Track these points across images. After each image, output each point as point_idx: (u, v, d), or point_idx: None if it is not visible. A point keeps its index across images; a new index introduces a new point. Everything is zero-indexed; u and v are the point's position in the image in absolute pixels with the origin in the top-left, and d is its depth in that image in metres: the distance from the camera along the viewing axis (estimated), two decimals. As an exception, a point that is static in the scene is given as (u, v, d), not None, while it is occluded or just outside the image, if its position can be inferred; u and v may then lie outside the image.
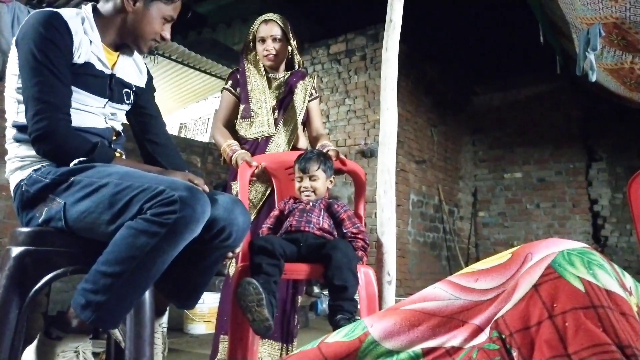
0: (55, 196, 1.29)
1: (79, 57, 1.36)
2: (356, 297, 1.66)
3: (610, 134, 6.02)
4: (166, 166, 1.61)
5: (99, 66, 1.41)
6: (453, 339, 0.89)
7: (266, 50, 2.29)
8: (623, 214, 5.86)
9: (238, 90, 2.36)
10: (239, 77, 2.37)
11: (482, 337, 0.87)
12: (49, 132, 1.27)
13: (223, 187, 2.38)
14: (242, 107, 2.32)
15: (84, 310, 1.19)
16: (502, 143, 6.76)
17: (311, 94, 2.40)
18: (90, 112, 1.42)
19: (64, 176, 1.29)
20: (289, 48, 2.37)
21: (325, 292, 4.67)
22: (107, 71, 1.45)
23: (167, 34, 1.50)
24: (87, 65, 1.38)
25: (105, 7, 1.44)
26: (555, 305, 0.82)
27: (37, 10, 1.35)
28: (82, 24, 1.38)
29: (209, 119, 6.17)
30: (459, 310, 0.91)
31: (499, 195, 6.77)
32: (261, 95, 2.31)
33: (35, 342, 1.32)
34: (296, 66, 2.44)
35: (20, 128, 1.34)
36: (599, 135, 6.12)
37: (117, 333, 1.39)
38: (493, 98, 6.87)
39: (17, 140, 1.35)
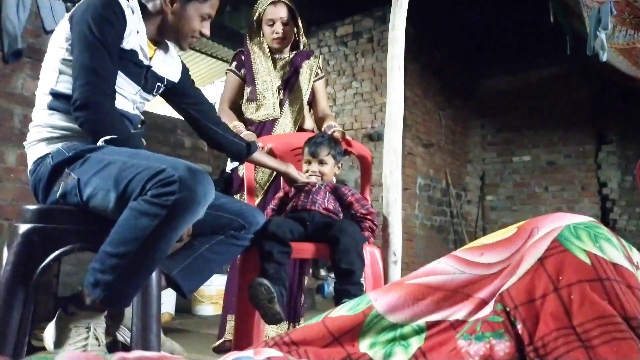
0: (70, 171, 1.31)
1: (127, 44, 1.42)
2: (362, 280, 1.67)
3: (620, 116, 5.93)
4: (237, 146, 1.80)
5: (140, 56, 1.48)
6: (457, 312, 0.89)
7: (275, 33, 2.27)
8: (632, 197, 5.81)
9: (243, 71, 2.35)
10: (243, 58, 2.36)
11: (487, 310, 0.87)
12: (96, 102, 1.31)
13: (230, 173, 2.37)
14: (248, 89, 2.31)
15: (94, 289, 1.20)
16: (511, 126, 6.69)
17: (316, 74, 2.39)
18: (124, 95, 1.47)
19: (83, 152, 1.32)
20: (295, 29, 2.36)
21: (332, 275, 4.69)
22: (146, 62, 1.51)
23: (206, 31, 1.58)
24: (132, 52, 1.44)
25: (148, 4, 1.50)
26: (560, 278, 0.81)
27: None
28: (133, 14, 1.43)
29: (215, 102, 6.15)
30: (463, 284, 0.91)
31: (507, 179, 6.73)
32: (267, 77, 2.30)
33: (55, 317, 1.35)
34: (301, 46, 2.42)
35: (57, 96, 1.37)
36: (609, 117, 6.04)
37: (122, 331, 1.42)
38: (502, 81, 6.78)
39: (52, 108, 1.38)
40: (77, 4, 1.41)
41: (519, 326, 0.82)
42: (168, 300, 3.66)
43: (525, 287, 0.84)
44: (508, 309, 0.84)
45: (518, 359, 0.79)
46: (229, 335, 2.13)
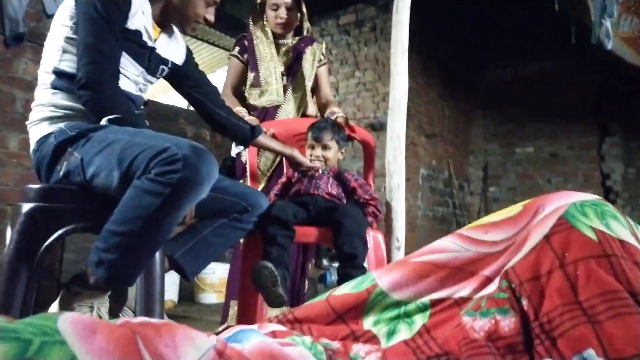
0: (73, 150, 1.31)
1: (132, 24, 1.41)
2: (365, 264, 1.66)
3: (624, 108, 5.90)
4: (242, 130, 1.80)
5: (145, 37, 1.47)
6: (462, 289, 0.89)
7: (280, 18, 2.25)
8: (636, 189, 5.79)
9: (246, 56, 2.33)
10: (246, 43, 2.34)
11: (492, 287, 0.87)
12: (100, 82, 1.31)
13: (232, 160, 2.37)
14: (251, 75, 2.30)
15: (97, 268, 1.20)
16: (514, 118, 6.66)
17: (320, 60, 2.37)
18: (127, 76, 1.46)
19: (87, 131, 1.31)
20: (299, 15, 2.34)
21: (334, 265, 4.69)
22: (150, 44, 1.50)
23: (211, 17, 1.58)
24: (137, 33, 1.43)
25: None
26: (566, 254, 0.81)
27: None
28: None
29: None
30: (468, 262, 0.91)
31: (509, 170, 6.71)
32: (270, 63, 2.28)
33: (59, 296, 1.35)
34: (304, 32, 2.40)
35: (60, 74, 1.36)
36: (613, 109, 6.00)
37: (126, 312, 1.41)
38: (505, 72, 6.74)
39: (55, 87, 1.37)
40: None
41: (525, 302, 0.81)
42: (171, 288, 3.67)
43: (531, 263, 0.83)
44: (513, 286, 0.83)
45: (523, 335, 0.79)
46: (232, 321, 2.14)
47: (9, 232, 1.26)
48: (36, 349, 0.43)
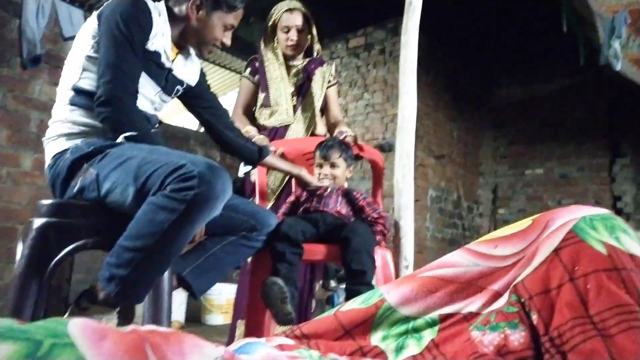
0: (89, 166, 1.33)
1: (152, 45, 1.45)
2: (373, 282, 1.66)
3: (635, 129, 5.87)
4: (249, 150, 1.83)
5: (163, 58, 1.50)
6: (471, 304, 0.88)
7: (290, 40, 2.29)
8: (648, 211, 5.73)
9: (257, 77, 2.37)
10: (257, 65, 2.38)
11: (501, 302, 0.86)
12: (119, 99, 1.33)
13: (242, 180, 2.39)
14: (262, 95, 2.34)
15: (108, 284, 1.20)
16: (524, 138, 6.64)
17: (329, 81, 2.40)
18: (144, 95, 1.49)
19: (103, 148, 1.33)
20: (309, 36, 2.38)
21: (342, 286, 4.65)
22: (168, 64, 1.53)
23: (228, 41, 1.61)
24: (156, 53, 1.47)
25: (175, 9, 1.54)
26: (576, 268, 0.80)
27: None
28: (159, 16, 1.47)
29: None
30: (477, 277, 0.90)
31: (519, 192, 6.66)
32: (280, 84, 2.32)
33: (67, 311, 1.35)
34: (315, 53, 2.44)
35: (79, 92, 1.39)
36: (624, 130, 5.97)
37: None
38: (514, 92, 6.76)
39: (73, 104, 1.39)
40: (106, 3, 1.44)
41: (534, 316, 0.80)
42: (178, 309, 3.66)
43: (540, 277, 0.83)
44: (523, 300, 0.83)
45: (533, 349, 0.78)
46: (238, 340, 2.12)
47: (19, 248, 1.28)
48: (46, 350, 0.43)
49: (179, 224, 1.19)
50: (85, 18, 3.17)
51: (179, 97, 1.71)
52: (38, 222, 1.27)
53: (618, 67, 2.99)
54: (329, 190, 1.88)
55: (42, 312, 1.27)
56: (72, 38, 3.05)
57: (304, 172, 1.92)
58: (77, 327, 0.49)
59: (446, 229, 5.95)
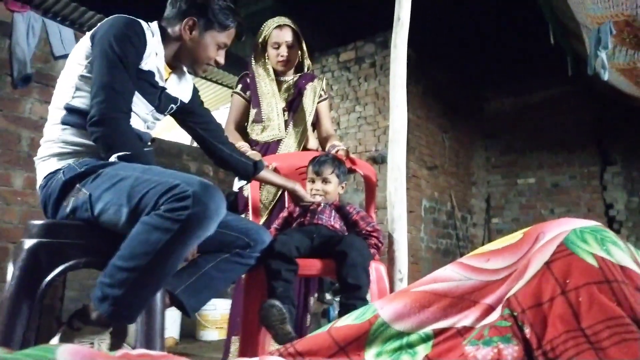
0: (82, 186, 1.32)
1: (146, 64, 1.46)
2: (368, 296, 1.65)
3: (624, 136, 5.93)
4: (244, 165, 1.83)
5: (157, 77, 1.51)
6: (464, 319, 0.88)
7: (281, 56, 2.30)
8: (639, 218, 5.76)
9: (248, 93, 2.38)
10: (248, 81, 2.39)
11: (494, 316, 0.86)
12: (112, 119, 1.32)
13: (235, 194, 2.39)
14: (253, 111, 2.34)
15: (101, 304, 1.20)
16: (515, 148, 6.70)
17: (320, 95, 2.41)
18: (137, 114, 1.49)
19: (96, 168, 1.33)
20: (299, 52, 2.39)
21: (337, 299, 4.63)
22: (162, 84, 1.54)
23: (221, 59, 1.62)
24: (149, 73, 1.48)
25: (168, 29, 1.55)
26: (568, 281, 0.80)
27: (119, 15, 1.45)
28: (152, 36, 1.48)
29: (221, 128, 6.21)
30: (470, 291, 0.90)
31: (512, 201, 6.70)
32: (272, 100, 2.33)
33: (60, 332, 1.34)
34: (305, 69, 2.46)
35: (71, 111, 1.39)
36: (613, 138, 6.04)
37: (125, 348, 1.40)
38: (504, 103, 6.83)
39: (65, 123, 1.39)
40: (99, 24, 1.44)
41: (527, 330, 0.81)
42: (172, 325, 3.63)
43: (533, 291, 0.83)
44: (515, 314, 0.83)
45: (527, 363, 0.78)
46: (233, 357, 2.11)
47: (10, 269, 1.27)
48: (35, 379, 0.43)
49: (172, 244, 1.19)
50: (76, 37, 3.18)
51: (172, 114, 1.72)
52: (29, 242, 1.26)
53: (605, 77, 3.03)
54: (322, 205, 1.88)
55: (34, 333, 1.25)
56: (62, 57, 3.05)
57: (298, 187, 1.92)
58: (65, 353, 0.49)
59: (440, 239, 5.96)
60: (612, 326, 0.74)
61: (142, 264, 1.17)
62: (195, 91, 1.77)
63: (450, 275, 0.94)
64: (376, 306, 0.96)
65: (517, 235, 0.95)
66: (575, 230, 0.87)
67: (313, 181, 1.93)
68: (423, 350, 0.88)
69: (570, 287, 0.80)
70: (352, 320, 0.97)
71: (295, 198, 1.94)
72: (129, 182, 1.25)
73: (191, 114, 1.75)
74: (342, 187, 1.99)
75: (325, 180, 1.91)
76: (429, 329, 0.90)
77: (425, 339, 0.89)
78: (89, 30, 1.47)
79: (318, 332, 0.99)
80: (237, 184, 2.35)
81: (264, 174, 1.91)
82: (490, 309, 0.87)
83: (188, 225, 1.18)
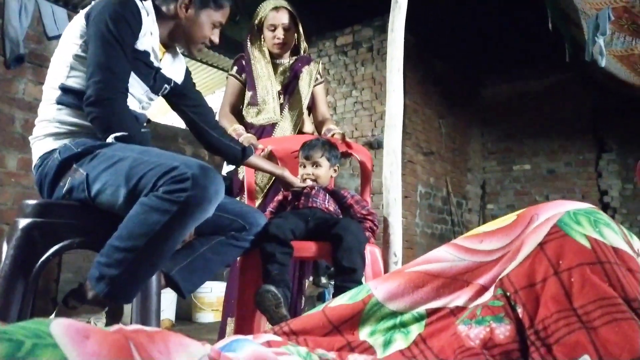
0: (78, 167, 1.31)
1: (141, 44, 1.44)
2: (363, 280, 1.66)
3: (620, 124, 5.95)
4: (233, 150, 1.81)
5: (152, 57, 1.50)
6: (457, 299, 0.89)
7: (277, 38, 2.28)
8: (633, 205, 5.81)
9: (243, 76, 2.36)
10: (244, 63, 2.37)
11: (487, 296, 0.87)
12: (109, 99, 1.32)
13: (230, 178, 2.38)
14: (248, 94, 2.33)
15: (98, 283, 1.20)
16: (511, 135, 6.70)
17: (316, 79, 2.40)
18: (132, 94, 1.48)
19: (92, 148, 1.32)
20: (296, 35, 2.37)
21: (332, 282, 4.66)
22: (156, 64, 1.53)
23: (216, 38, 1.61)
24: (145, 53, 1.46)
25: (163, 8, 1.53)
26: (560, 262, 0.81)
27: None
28: (147, 16, 1.46)
29: (216, 112, 6.19)
30: (463, 271, 0.91)
31: (507, 187, 6.73)
32: (267, 82, 2.31)
33: (55, 310, 1.34)
34: (301, 52, 2.44)
35: (67, 91, 1.37)
36: (609, 126, 6.05)
37: None
38: (502, 90, 6.82)
39: (60, 103, 1.38)
40: (93, 3, 1.43)
41: (520, 310, 0.81)
42: (168, 307, 3.65)
43: (526, 271, 0.84)
44: (508, 294, 0.84)
45: (519, 342, 0.79)
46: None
47: (4, 248, 1.26)
48: (28, 350, 0.43)
49: (171, 226, 1.19)
50: (69, 17, 3.14)
51: (164, 96, 1.70)
52: (23, 222, 1.26)
53: (603, 63, 3.02)
54: (315, 189, 1.88)
55: (29, 313, 1.26)
56: (56, 37, 3.01)
57: (286, 173, 1.92)
58: (59, 327, 0.49)
59: (435, 224, 5.98)
60: (604, 306, 0.75)
61: (139, 244, 1.17)
62: (188, 72, 1.75)
63: (444, 256, 0.94)
64: (370, 286, 0.97)
65: (511, 217, 0.96)
66: (569, 212, 0.88)
67: (304, 166, 1.93)
68: (416, 329, 0.89)
69: (563, 267, 0.80)
70: (346, 300, 0.98)
71: (285, 184, 1.94)
72: (127, 163, 1.24)
73: (183, 97, 1.73)
74: (335, 170, 1.98)
75: (315, 164, 1.91)
76: (422, 309, 0.90)
77: (418, 319, 0.90)
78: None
79: (312, 312, 0.99)
80: (225, 168, 2.35)
81: (253, 159, 1.90)
82: (483, 290, 0.88)
83: (187, 208, 1.18)
